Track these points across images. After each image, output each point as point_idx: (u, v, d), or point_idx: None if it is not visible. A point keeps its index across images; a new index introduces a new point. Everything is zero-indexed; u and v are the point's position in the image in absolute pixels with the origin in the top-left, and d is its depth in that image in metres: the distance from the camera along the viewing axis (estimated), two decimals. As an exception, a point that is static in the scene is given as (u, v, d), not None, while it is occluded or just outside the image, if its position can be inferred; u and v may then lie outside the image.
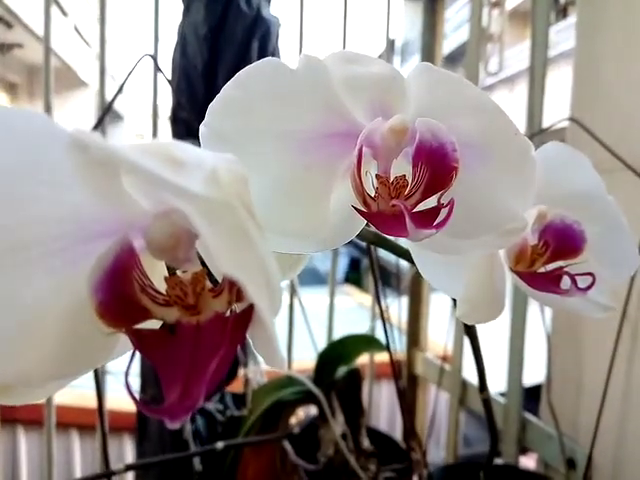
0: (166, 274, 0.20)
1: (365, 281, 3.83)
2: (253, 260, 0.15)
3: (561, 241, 0.33)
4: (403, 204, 0.23)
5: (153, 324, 0.19)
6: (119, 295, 0.18)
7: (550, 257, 0.33)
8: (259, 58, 0.84)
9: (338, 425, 0.84)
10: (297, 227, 0.25)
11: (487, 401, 0.52)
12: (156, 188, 0.16)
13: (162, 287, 0.20)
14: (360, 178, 0.25)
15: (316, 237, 0.26)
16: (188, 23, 0.97)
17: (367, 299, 2.54)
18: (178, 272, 0.19)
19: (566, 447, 0.89)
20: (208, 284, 0.19)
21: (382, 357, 1.31)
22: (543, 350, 0.96)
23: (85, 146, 0.15)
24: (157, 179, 0.14)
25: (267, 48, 0.97)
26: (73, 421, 1.35)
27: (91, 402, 1.35)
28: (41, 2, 0.87)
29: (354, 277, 3.97)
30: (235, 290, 0.18)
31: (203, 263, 0.19)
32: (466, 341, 1.11)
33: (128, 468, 0.61)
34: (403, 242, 0.34)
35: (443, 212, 0.24)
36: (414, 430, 0.90)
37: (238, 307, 0.18)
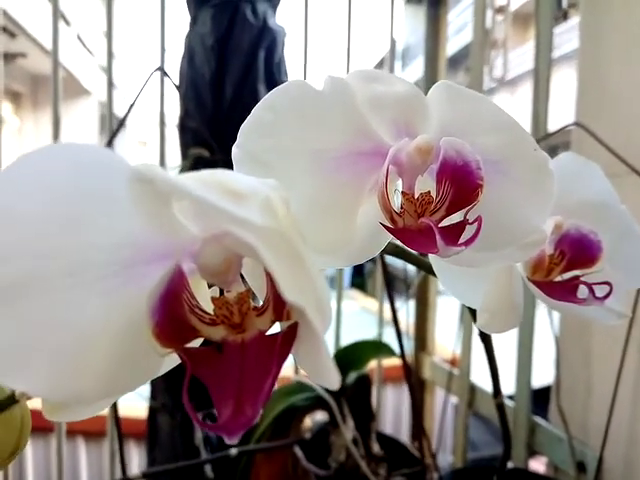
0: (209, 295, 0.21)
1: (369, 285, 3.84)
2: (307, 284, 0.16)
3: (577, 250, 0.34)
4: (432, 222, 0.24)
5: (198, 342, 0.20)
6: (172, 316, 0.19)
7: (566, 266, 0.34)
8: (265, 67, 0.85)
9: (349, 430, 0.84)
10: (327, 243, 0.26)
11: (501, 406, 0.52)
12: (219, 220, 0.17)
13: (206, 307, 0.21)
14: (387, 195, 0.26)
15: (344, 252, 0.27)
16: (195, 33, 0.98)
17: (371, 303, 2.54)
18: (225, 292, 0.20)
19: (576, 450, 0.89)
20: (252, 304, 0.20)
21: (388, 361, 1.32)
22: (551, 352, 0.96)
23: (150, 180, 0.16)
24: (222, 212, 0.15)
25: (273, 57, 0.98)
26: (79, 428, 1.35)
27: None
28: (45, 12, 0.89)
29: (358, 281, 3.98)
30: (279, 310, 0.19)
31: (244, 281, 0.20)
32: (474, 345, 1.11)
33: (144, 476, 0.62)
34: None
35: (470, 228, 0.25)
36: (425, 434, 0.90)
37: (281, 325, 0.19)
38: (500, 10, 1.27)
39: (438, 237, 0.23)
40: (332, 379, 0.16)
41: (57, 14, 0.89)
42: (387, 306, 1.18)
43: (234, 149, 0.26)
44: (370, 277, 3.93)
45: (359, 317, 2.41)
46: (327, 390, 0.84)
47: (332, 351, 0.99)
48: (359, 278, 4.17)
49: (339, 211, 0.27)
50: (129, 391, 0.21)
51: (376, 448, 0.93)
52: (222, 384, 0.18)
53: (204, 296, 0.21)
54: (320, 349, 0.16)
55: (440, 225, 0.26)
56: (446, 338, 1.33)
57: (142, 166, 0.17)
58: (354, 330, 1.18)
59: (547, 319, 0.94)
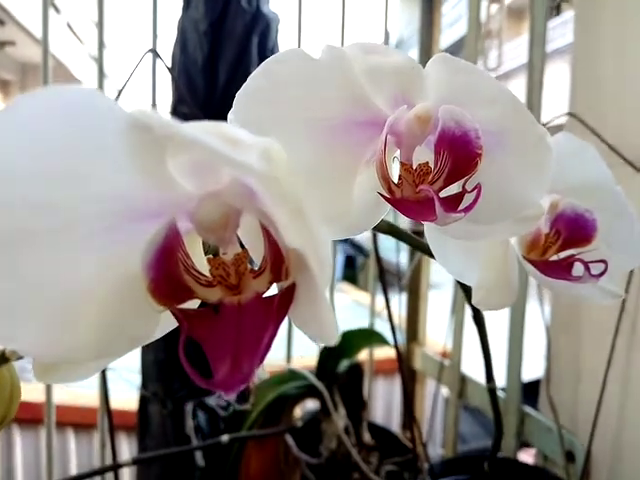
0: (205, 259, 0.20)
1: (360, 279, 3.85)
2: (307, 233, 0.16)
3: (572, 230, 0.34)
4: (431, 189, 0.24)
5: (195, 304, 0.19)
6: (167, 274, 0.19)
7: (562, 246, 0.34)
8: (259, 54, 0.85)
9: (340, 419, 0.84)
10: (323, 213, 0.26)
11: (493, 391, 0.52)
12: (218, 165, 0.17)
13: (203, 270, 0.20)
14: (385, 164, 0.25)
15: (340, 223, 0.27)
16: (188, 18, 0.97)
17: (363, 296, 2.54)
18: (220, 254, 0.20)
19: (565, 440, 0.90)
20: (249, 266, 0.20)
21: (380, 353, 1.32)
22: (541, 345, 0.97)
23: (147, 126, 0.16)
24: (221, 157, 0.15)
25: (267, 44, 0.98)
26: (69, 420, 1.35)
27: (87, 400, 1.35)
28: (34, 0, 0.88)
29: (349, 275, 3.98)
30: (277, 267, 0.18)
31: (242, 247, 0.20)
32: (465, 336, 1.11)
33: (135, 462, 0.61)
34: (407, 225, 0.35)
35: (469, 197, 0.25)
36: (417, 422, 0.91)
37: (278, 287, 0.19)
38: (495, 0, 1.28)
39: (437, 204, 0.23)
40: (331, 333, 0.16)
41: (47, 1, 0.87)
42: (379, 298, 1.19)
43: (230, 116, 0.25)
44: (362, 270, 3.93)
45: (351, 310, 2.41)
46: (319, 378, 0.84)
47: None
48: (351, 271, 4.18)
49: (335, 180, 0.27)
50: (121, 354, 0.20)
51: (367, 437, 0.93)
52: (218, 344, 0.18)
53: (200, 260, 0.21)
54: (320, 301, 0.16)
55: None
56: (437, 333, 1.33)
57: (139, 112, 0.17)
58: (346, 323, 1.18)
59: (538, 311, 0.94)
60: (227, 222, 0.19)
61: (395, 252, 1.19)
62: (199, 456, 0.86)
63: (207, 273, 0.20)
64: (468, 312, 1.18)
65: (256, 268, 0.20)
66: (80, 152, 0.17)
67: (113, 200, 0.18)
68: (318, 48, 0.26)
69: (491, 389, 0.52)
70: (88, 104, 0.17)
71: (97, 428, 1.03)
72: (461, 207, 0.24)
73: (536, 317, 0.97)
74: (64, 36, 4.56)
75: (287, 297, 0.18)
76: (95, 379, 1.05)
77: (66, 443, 1.38)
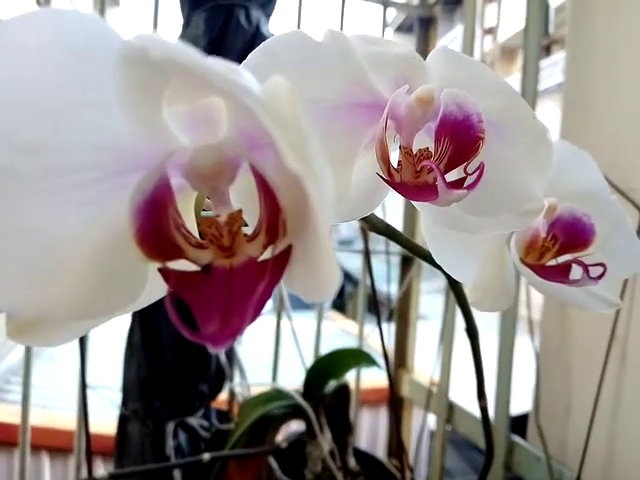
0: (195, 224, 0.19)
1: (349, 307, 3.83)
2: (308, 159, 0.15)
3: (570, 234, 0.33)
4: (434, 164, 0.23)
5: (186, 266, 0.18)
6: (156, 227, 0.18)
7: (559, 250, 0.33)
8: (257, 72, 0.85)
9: (326, 442, 0.82)
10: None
11: (484, 410, 0.51)
12: (217, 90, 0.16)
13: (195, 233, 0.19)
14: (386, 144, 0.25)
15: (338, 207, 0.26)
16: (188, 36, 0.98)
17: (351, 325, 2.52)
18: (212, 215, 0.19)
19: (554, 470, 0.88)
20: (243, 229, 0.19)
21: (366, 383, 1.29)
22: (528, 380, 0.96)
23: (145, 51, 0.14)
24: (222, 79, 0.14)
25: (265, 64, 0.98)
26: (44, 443, 1.31)
27: (63, 424, 1.31)
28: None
29: (337, 303, 3.95)
30: (273, 225, 0.17)
31: None
32: (454, 364, 1.10)
33: (112, 477, 0.59)
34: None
35: (471, 178, 0.24)
36: (404, 448, 0.88)
37: (272, 249, 0.18)
38: (489, 31, 1.31)
39: (440, 179, 0.22)
40: (333, 278, 0.15)
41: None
42: (367, 327, 1.17)
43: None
44: (350, 299, 3.92)
45: (338, 338, 2.39)
46: (305, 399, 0.82)
47: (313, 361, 0.97)
48: (339, 299, 4.15)
49: (334, 164, 0.26)
50: (104, 316, 0.19)
51: (352, 462, 0.91)
52: (207, 306, 0.17)
53: (192, 225, 0.20)
54: (321, 242, 0.15)
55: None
56: (425, 364, 1.31)
57: (136, 37, 0.15)
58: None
59: (527, 341, 0.94)
60: (221, 170, 0.18)
61: (385, 281, 1.18)
62: (178, 477, 0.83)
63: (199, 237, 0.19)
64: (457, 340, 1.16)
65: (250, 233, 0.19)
66: (68, 87, 0.16)
67: (103, 148, 0.17)
68: (319, 33, 0.26)
69: (482, 408, 0.51)
70: (79, 30, 0.16)
71: (73, 452, 1.00)
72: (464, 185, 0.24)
73: (524, 352, 0.97)
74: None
75: (282, 259, 0.17)
76: (73, 397, 1.02)
77: (40, 467, 1.34)
